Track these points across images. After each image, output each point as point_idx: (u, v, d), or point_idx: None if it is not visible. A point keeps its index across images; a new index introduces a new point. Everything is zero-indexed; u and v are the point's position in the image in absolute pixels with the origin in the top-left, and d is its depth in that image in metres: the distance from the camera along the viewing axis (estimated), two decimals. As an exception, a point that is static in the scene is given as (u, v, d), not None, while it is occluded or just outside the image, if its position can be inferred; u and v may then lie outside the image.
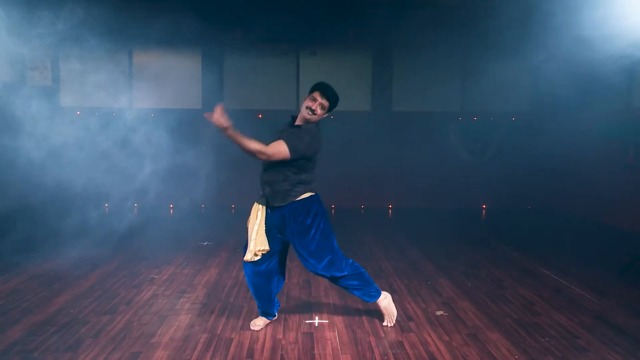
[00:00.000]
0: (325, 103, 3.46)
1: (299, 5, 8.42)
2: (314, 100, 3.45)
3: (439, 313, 3.99)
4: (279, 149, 3.32)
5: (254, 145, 3.23)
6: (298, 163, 3.40)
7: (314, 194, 3.53)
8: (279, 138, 3.42)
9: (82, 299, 4.20)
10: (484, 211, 9.40)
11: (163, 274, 5.00)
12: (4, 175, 7.24)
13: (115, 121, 8.30)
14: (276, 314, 3.78)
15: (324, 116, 3.52)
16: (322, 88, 3.48)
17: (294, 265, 5.42)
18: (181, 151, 8.27)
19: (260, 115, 8.98)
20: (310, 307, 4.10)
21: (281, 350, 3.29)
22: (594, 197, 8.05)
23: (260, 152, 3.26)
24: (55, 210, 7.06)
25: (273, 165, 3.41)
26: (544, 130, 8.99)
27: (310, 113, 3.44)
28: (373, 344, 3.41)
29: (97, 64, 8.48)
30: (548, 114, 9.08)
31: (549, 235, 7.13)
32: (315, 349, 3.33)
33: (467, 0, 7.51)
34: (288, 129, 3.48)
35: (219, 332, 3.57)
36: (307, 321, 3.79)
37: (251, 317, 3.88)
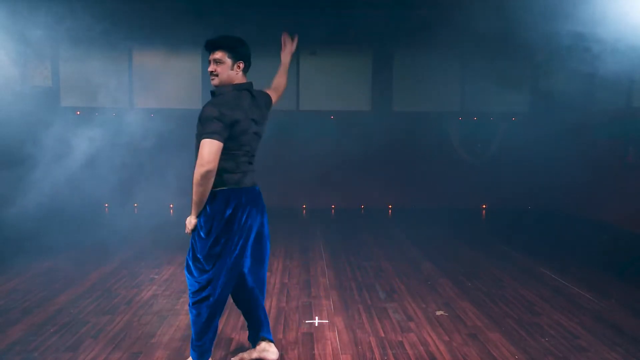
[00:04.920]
0: (218, 55, 2.84)
1: (299, 5, 8.41)
2: (209, 62, 2.90)
3: (439, 313, 3.99)
4: (203, 151, 2.65)
5: (194, 180, 2.68)
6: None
7: (225, 188, 2.79)
8: None
9: (82, 299, 4.20)
10: (484, 211, 9.40)
11: (163, 274, 5.00)
12: (3, 176, 7.24)
13: (115, 121, 8.29)
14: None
15: (239, 70, 2.89)
16: (207, 43, 2.87)
17: (293, 265, 5.42)
18: (181, 151, 8.26)
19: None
20: (310, 307, 4.10)
21: (281, 350, 3.29)
22: (594, 197, 8.05)
23: (199, 172, 2.66)
24: (54, 211, 7.06)
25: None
26: (544, 130, 8.98)
27: (212, 78, 2.90)
28: (373, 344, 3.41)
29: (97, 64, 8.48)
30: (548, 114, 9.07)
31: (548, 235, 7.13)
32: (315, 349, 3.33)
33: (467, 0, 7.51)
34: None
35: (219, 332, 3.57)
36: (307, 321, 3.79)
37: (251, 317, 3.87)
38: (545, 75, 9.32)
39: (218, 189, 2.77)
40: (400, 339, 3.49)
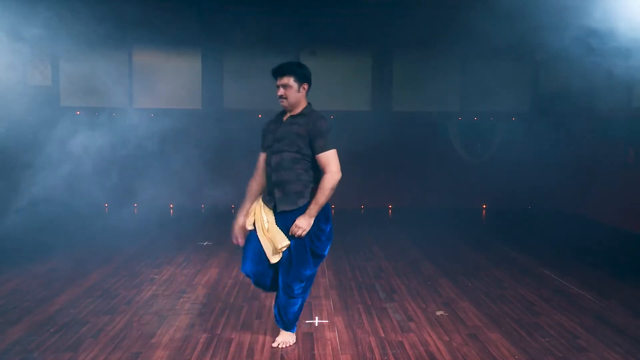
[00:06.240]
0: (286, 80, 3.17)
1: (299, 5, 8.41)
2: (277, 87, 3.21)
3: (439, 313, 3.98)
4: (335, 161, 3.14)
5: (329, 186, 3.11)
6: (310, 158, 3.17)
7: None
8: (266, 136, 3.30)
9: (82, 299, 4.20)
10: (484, 211, 9.40)
11: (163, 274, 5.00)
12: (5, 175, 7.24)
13: (115, 121, 8.29)
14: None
15: (304, 92, 3.22)
16: (274, 70, 3.22)
17: (294, 265, 5.42)
18: (181, 151, 8.26)
19: (260, 115, 8.98)
20: (310, 307, 4.10)
21: (281, 351, 3.29)
22: (594, 197, 8.05)
23: (336, 179, 3.12)
24: (54, 210, 7.05)
25: (283, 164, 3.17)
26: (544, 130, 8.98)
27: (281, 101, 3.22)
28: (373, 344, 3.41)
29: (97, 64, 8.47)
30: (548, 113, 9.07)
31: (549, 235, 7.13)
32: (315, 349, 3.33)
33: (467, 0, 7.51)
34: (286, 124, 3.23)
35: (219, 332, 3.57)
36: (307, 321, 3.79)
37: (251, 317, 3.88)
38: (546, 75, 9.32)
39: None
40: (400, 339, 3.49)
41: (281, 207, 3.18)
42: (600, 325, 3.76)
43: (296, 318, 3.38)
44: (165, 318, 3.83)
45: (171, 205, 9.02)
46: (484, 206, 9.54)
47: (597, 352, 3.30)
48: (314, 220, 3.17)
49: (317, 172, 3.19)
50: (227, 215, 8.74)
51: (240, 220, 3.34)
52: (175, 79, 9.25)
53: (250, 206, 3.35)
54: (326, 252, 3.33)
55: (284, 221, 3.20)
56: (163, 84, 9.09)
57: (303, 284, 3.28)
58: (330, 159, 3.13)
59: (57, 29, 6.36)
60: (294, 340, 3.40)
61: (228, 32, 8.95)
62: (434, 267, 5.34)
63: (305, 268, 3.23)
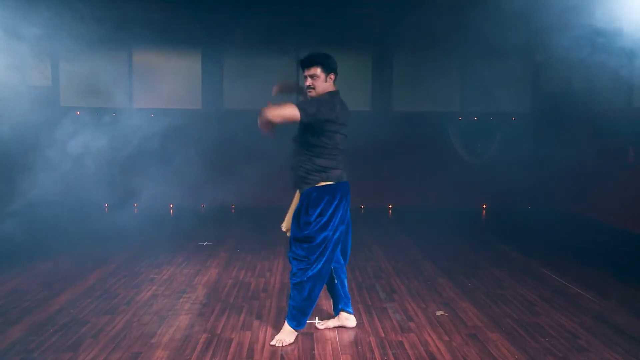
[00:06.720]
0: (314, 70, 3.30)
1: (299, 5, 8.41)
2: (305, 78, 3.34)
3: (439, 313, 3.98)
4: (290, 108, 3.10)
5: (264, 108, 3.10)
6: (309, 144, 3.26)
7: (332, 183, 3.31)
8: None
9: (82, 299, 4.20)
10: (484, 211, 9.40)
11: (163, 274, 5.00)
12: (5, 175, 7.24)
13: (115, 121, 8.29)
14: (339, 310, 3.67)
15: (330, 81, 3.36)
16: (302, 61, 3.33)
17: (294, 265, 5.41)
18: (181, 151, 8.26)
19: (260, 115, 8.98)
20: (310, 307, 4.09)
21: (281, 351, 3.29)
22: (594, 197, 8.04)
23: (267, 110, 3.08)
24: (54, 210, 7.06)
25: (294, 152, 3.37)
26: (544, 130, 8.98)
27: (309, 91, 3.34)
28: (373, 344, 3.41)
29: (97, 64, 8.47)
30: (548, 113, 9.07)
31: (549, 235, 7.13)
32: (315, 349, 3.33)
33: (467, 0, 7.51)
34: None
35: (219, 332, 3.57)
36: (307, 321, 3.79)
37: (251, 317, 3.88)
38: (546, 75, 9.32)
39: (326, 183, 3.29)
40: (400, 339, 3.49)
41: (296, 188, 3.43)
42: (600, 325, 3.76)
43: (299, 311, 3.36)
44: (165, 318, 3.83)
45: (171, 205, 9.02)
46: (484, 206, 9.54)
47: (597, 352, 3.30)
48: (304, 202, 3.31)
49: (322, 156, 3.28)
50: (227, 215, 8.80)
51: None
52: (175, 79, 9.26)
53: None
54: (316, 238, 3.28)
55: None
56: (163, 84, 9.10)
57: (301, 265, 3.31)
58: (283, 103, 3.15)
59: (57, 29, 6.37)
60: (292, 340, 3.40)
61: (228, 32, 8.96)
62: (434, 267, 5.34)
63: (296, 241, 3.35)
